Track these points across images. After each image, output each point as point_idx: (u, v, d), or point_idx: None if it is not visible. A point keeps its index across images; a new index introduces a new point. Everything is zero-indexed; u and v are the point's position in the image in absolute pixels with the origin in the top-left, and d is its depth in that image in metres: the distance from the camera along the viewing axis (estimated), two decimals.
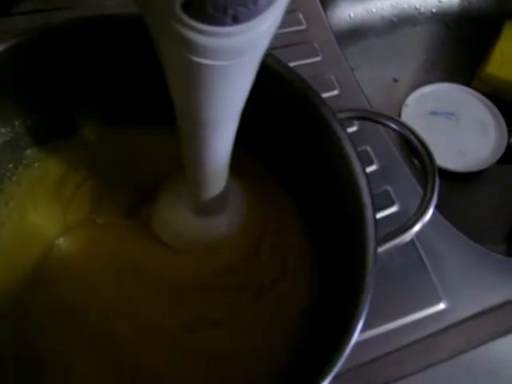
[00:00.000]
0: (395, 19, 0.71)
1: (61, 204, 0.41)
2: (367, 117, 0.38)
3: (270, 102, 0.37)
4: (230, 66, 0.22)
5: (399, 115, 0.65)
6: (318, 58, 0.52)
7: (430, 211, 0.38)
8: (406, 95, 0.67)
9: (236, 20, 0.20)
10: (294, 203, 0.43)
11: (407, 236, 0.37)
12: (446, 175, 0.62)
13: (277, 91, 0.36)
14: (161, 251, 0.41)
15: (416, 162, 0.58)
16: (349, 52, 0.67)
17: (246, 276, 0.40)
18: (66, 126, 0.42)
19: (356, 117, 0.38)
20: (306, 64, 0.52)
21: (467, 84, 0.69)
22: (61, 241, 0.41)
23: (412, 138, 0.37)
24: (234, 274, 0.40)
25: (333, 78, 0.51)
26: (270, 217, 0.42)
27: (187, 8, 0.19)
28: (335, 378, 0.43)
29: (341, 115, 0.38)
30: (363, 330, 0.44)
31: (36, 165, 0.43)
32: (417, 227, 0.37)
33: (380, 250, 0.37)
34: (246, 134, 0.34)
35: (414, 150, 0.38)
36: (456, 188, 0.63)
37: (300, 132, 0.37)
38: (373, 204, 0.33)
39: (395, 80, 0.69)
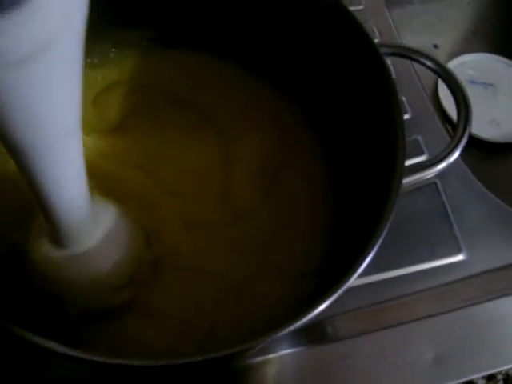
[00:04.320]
0: None
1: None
2: (403, 53, 0.39)
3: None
4: (18, 72, 0.18)
5: (436, 81, 0.65)
6: (360, 7, 0.53)
7: (458, 151, 0.38)
8: (445, 62, 0.66)
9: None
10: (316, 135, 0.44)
11: (431, 172, 0.38)
12: (479, 144, 0.62)
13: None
14: None
15: (449, 112, 0.59)
16: (392, 16, 0.67)
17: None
18: None
19: (392, 53, 0.39)
20: None
21: (509, 56, 0.68)
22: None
23: (445, 76, 0.38)
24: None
25: (374, 27, 0.52)
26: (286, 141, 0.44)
27: None
28: (348, 313, 0.44)
29: None
30: (381, 270, 0.45)
31: None
32: (442, 165, 0.38)
33: (404, 181, 0.37)
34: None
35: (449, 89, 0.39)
36: (488, 157, 0.63)
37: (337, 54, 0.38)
38: (403, 131, 0.34)
39: (435, 46, 0.69)
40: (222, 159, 0.43)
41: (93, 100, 0.45)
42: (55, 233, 0.30)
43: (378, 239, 0.30)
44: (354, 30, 0.35)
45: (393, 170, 0.32)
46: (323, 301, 0.28)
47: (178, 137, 0.43)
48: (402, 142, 0.32)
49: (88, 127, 0.43)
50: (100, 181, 0.37)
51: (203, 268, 0.40)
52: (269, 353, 0.43)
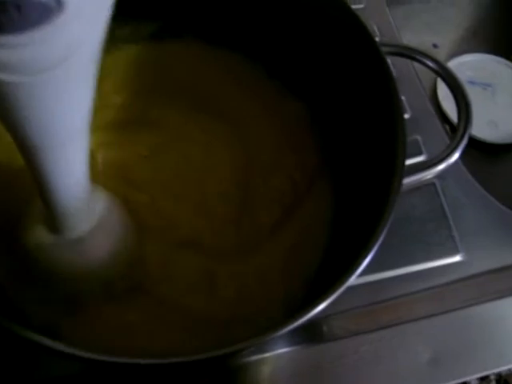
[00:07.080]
0: None
1: None
2: (404, 53, 0.38)
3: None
4: (35, 83, 0.18)
5: (436, 81, 0.65)
6: (361, 6, 0.52)
7: (459, 152, 0.38)
8: (445, 62, 0.66)
9: (1, 28, 0.16)
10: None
11: (430, 173, 0.37)
12: (477, 145, 0.62)
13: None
14: None
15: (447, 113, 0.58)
16: (392, 15, 0.67)
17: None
18: None
19: (392, 52, 0.39)
20: None
21: (508, 57, 0.68)
22: None
23: (446, 76, 0.37)
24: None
25: (374, 26, 0.51)
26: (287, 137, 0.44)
27: None
28: (345, 313, 0.44)
29: None
30: (378, 270, 0.45)
31: None
32: (442, 166, 0.38)
33: (403, 181, 0.37)
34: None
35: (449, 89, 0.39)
36: (487, 158, 0.63)
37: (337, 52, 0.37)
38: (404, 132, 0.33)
39: (435, 46, 0.69)
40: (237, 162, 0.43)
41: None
42: (51, 219, 0.31)
43: (377, 240, 0.29)
44: (357, 28, 0.35)
45: (393, 170, 0.31)
46: (322, 300, 0.28)
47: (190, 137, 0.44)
48: (403, 142, 0.32)
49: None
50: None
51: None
52: (265, 352, 0.43)
